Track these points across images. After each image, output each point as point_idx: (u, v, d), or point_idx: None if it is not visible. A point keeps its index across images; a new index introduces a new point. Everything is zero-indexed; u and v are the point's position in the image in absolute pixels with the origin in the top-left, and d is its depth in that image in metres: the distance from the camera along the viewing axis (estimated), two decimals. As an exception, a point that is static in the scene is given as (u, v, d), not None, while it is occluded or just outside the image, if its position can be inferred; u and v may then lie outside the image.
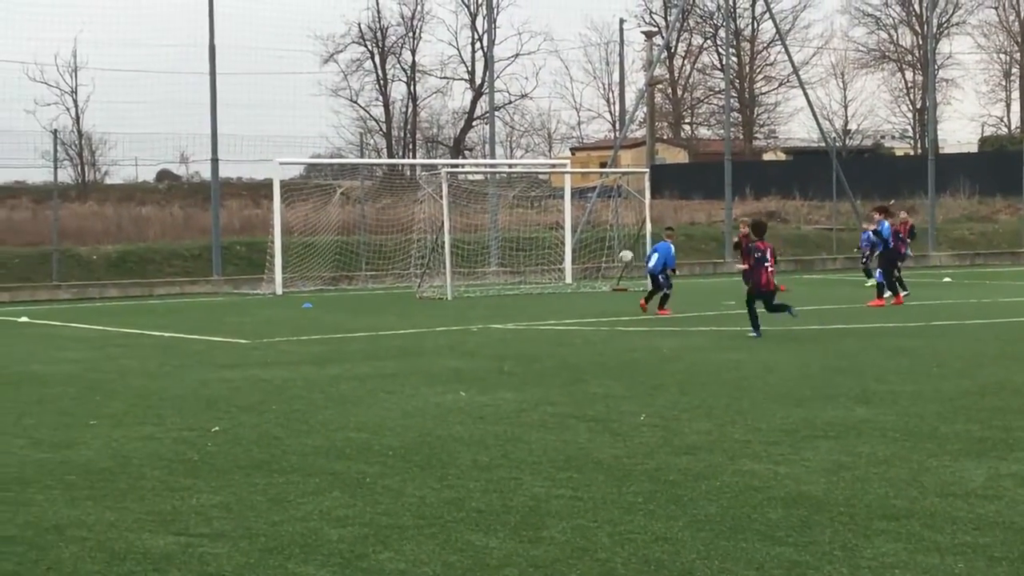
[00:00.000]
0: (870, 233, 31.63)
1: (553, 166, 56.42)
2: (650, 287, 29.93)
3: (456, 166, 52.61)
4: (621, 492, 10.39)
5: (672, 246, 30.00)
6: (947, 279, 40.40)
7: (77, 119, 75.61)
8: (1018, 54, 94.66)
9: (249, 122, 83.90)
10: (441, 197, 37.01)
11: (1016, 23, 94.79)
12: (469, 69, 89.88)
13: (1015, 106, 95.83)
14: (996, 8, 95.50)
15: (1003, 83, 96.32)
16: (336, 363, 19.85)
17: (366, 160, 67.15)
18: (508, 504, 10.05)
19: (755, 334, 23.11)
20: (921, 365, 18.36)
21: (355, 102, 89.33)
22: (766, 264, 23.45)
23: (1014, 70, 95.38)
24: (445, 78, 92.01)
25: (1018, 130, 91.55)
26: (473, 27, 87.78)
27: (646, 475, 11.03)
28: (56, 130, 44.69)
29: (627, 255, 36.58)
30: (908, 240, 35.48)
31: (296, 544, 8.99)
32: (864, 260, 37.23)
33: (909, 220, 36.56)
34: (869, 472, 10.98)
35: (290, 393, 16.55)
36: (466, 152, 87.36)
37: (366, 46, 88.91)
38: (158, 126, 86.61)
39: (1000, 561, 8.27)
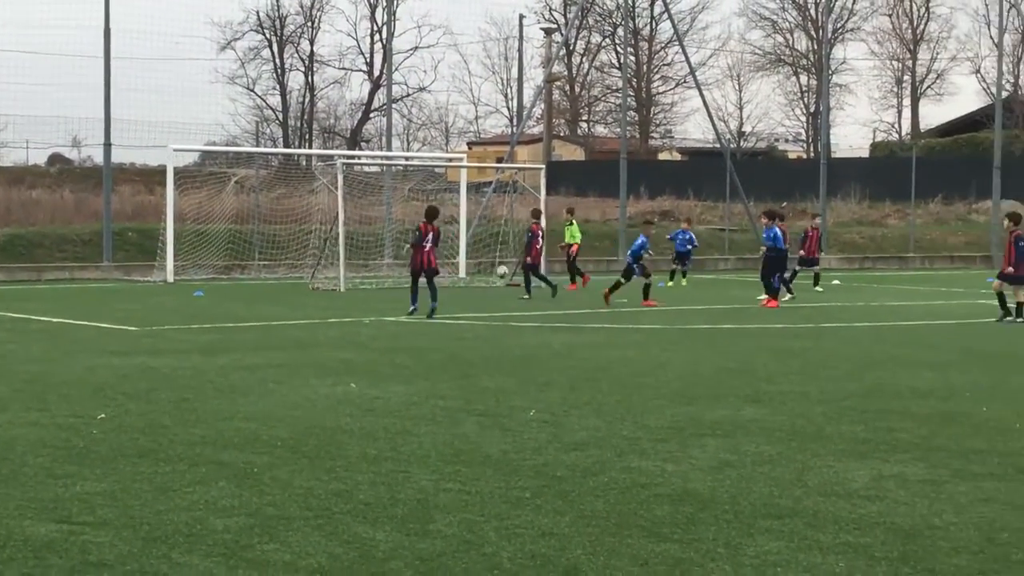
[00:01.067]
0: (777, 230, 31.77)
1: (450, 160, 56.46)
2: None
3: (352, 157, 52.33)
4: (509, 487, 10.41)
5: (645, 239, 30.56)
6: (836, 282, 40.89)
7: (-33, 99, 74.50)
8: (910, 61, 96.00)
9: (144, 107, 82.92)
10: (336, 188, 36.88)
11: (909, 31, 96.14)
12: (368, 61, 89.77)
13: (906, 112, 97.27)
14: (890, 15, 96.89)
15: (895, 90, 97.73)
16: (226, 353, 19.71)
17: (262, 149, 66.76)
18: (396, 497, 10.03)
19: (413, 307, 26.53)
20: (810, 366, 18.57)
21: (252, 91, 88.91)
22: (423, 245, 26.65)
23: (906, 77, 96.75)
24: (343, 69, 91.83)
25: (908, 136, 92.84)
26: (372, 18, 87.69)
27: (534, 470, 11.06)
28: (-55, 110, 43.96)
29: (503, 270, 36.64)
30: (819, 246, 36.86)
31: (180, 533, 8.91)
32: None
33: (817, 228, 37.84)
34: (755, 471, 11.09)
35: (179, 382, 16.41)
36: (363, 144, 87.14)
37: (264, 34, 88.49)
38: (51, 109, 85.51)
39: (880, 561, 8.38)
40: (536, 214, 34.98)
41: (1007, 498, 10.10)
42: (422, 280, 26.68)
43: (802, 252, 36.83)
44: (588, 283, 35.67)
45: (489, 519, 9.37)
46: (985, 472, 11.10)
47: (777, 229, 31.46)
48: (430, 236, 26.84)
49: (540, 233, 33.46)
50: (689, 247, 38.49)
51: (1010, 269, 26.17)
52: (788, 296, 31.92)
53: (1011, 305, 26.06)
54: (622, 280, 30.25)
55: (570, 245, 37.24)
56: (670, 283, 35.94)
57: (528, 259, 33.23)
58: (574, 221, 38.49)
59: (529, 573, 8.10)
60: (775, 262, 30.73)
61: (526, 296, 32.10)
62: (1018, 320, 26.04)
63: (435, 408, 14.38)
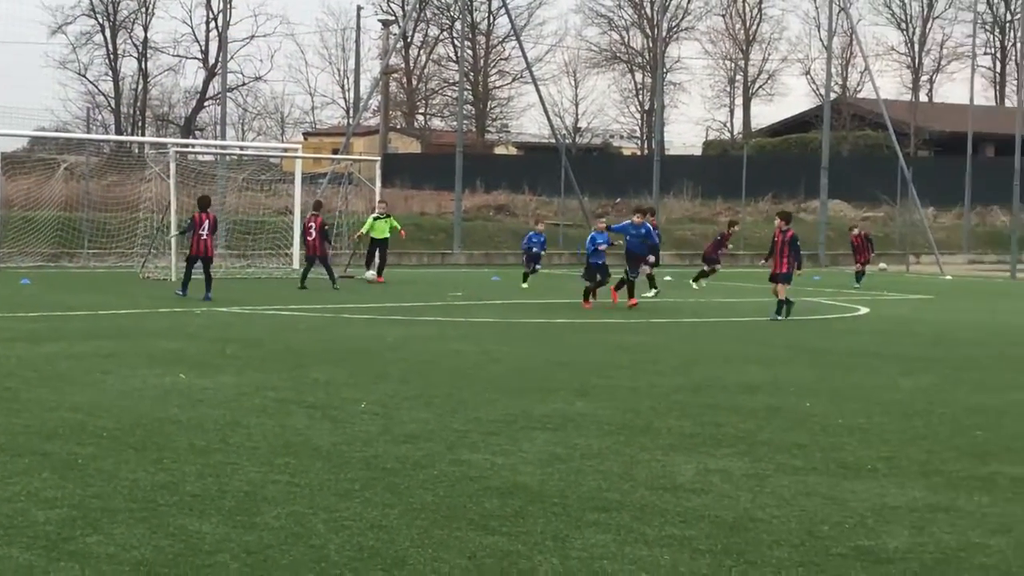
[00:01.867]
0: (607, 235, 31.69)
1: (285, 150, 56.01)
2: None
3: (186, 146, 51.72)
4: (338, 479, 10.37)
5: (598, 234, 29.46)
6: (668, 278, 41.35)
7: None
8: (742, 61, 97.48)
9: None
10: (169, 177, 36.40)
11: (742, 31, 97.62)
12: (203, 48, 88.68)
13: (738, 112, 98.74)
14: (723, 16, 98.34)
15: (727, 89, 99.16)
16: (53, 341, 19.36)
17: (93, 136, 65.61)
18: (224, 489, 9.94)
19: (182, 293, 28.01)
20: (640, 361, 18.77)
21: (84, 76, 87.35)
22: (200, 233, 28.33)
23: (738, 77, 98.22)
24: (178, 56, 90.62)
25: (740, 135, 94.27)
26: (208, 6, 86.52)
27: (364, 463, 11.03)
28: None
29: (370, 275, 36.25)
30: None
31: (0, 526, 8.74)
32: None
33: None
34: (583, 464, 11.18)
35: (2, 370, 16.08)
36: (197, 132, 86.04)
37: (97, 19, 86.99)
38: None
39: (704, 554, 8.50)
40: (317, 206, 34.76)
41: (828, 492, 10.31)
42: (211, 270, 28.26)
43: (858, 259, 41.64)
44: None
45: (317, 511, 9.32)
46: (807, 466, 11.31)
47: (649, 224, 31.25)
48: (206, 224, 28.45)
49: (315, 225, 33.76)
50: (537, 250, 37.58)
51: (792, 270, 26.09)
52: (653, 292, 31.98)
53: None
54: (591, 281, 28.89)
55: (377, 238, 36.74)
56: (523, 285, 35.25)
57: (309, 251, 33.72)
58: (390, 214, 38.00)
59: (356, 565, 8.08)
60: (636, 259, 30.02)
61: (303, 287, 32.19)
62: (779, 317, 25.92)
63: (265, 399, 14.27)
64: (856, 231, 42.96)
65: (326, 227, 33.85)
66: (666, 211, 58.64)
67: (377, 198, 40.20)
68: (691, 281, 36.93)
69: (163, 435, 12.04)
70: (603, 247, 28.69)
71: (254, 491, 9.90)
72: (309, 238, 33.71)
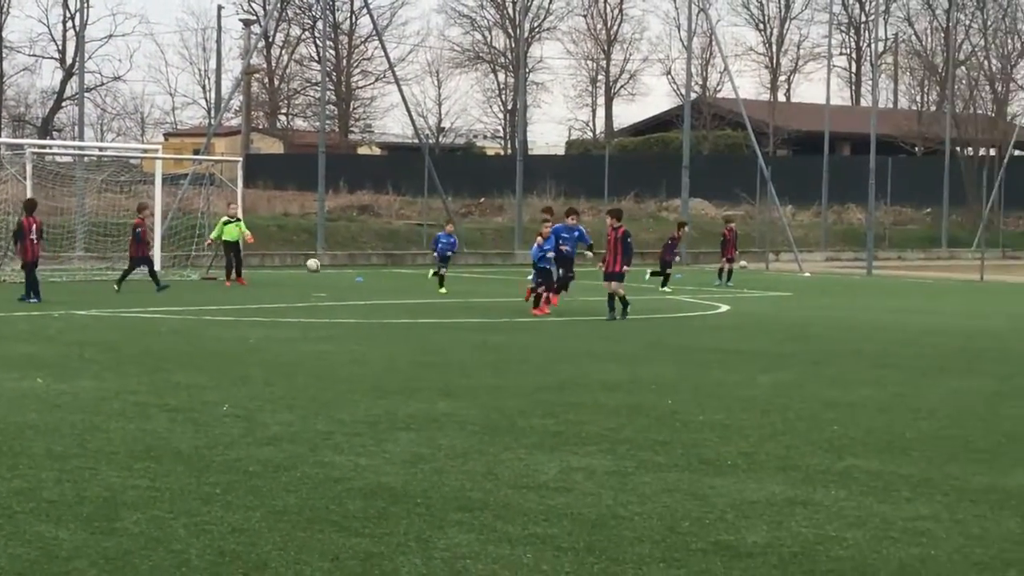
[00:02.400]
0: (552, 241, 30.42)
1: (145, 151, 55.33)
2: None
3: (43, 147, 50.87)
4: (200, 483, 10.28)
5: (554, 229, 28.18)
6: (529, 277, 41.45)
7: None
8: (604, 61, 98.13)
9: None
10: (26, 178, 35.80)
11: (603, 31, 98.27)
12: (60, 48, 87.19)
13: (601, 112, 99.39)
14: (585, 16, 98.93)
15: (590, 89, 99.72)
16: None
17: (-54, 136, 64.29)
18: (82, 495, 9.80)
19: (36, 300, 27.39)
20: (504, 361, 18.82)
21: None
22: (31, 238, 28.05)
23: (600, 77, 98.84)
24: (34, 56, 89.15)
25: (603, 135, 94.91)
26: (65, 5, 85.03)
27: (226, 466, 10.94)
28: None
29: (313, 263, 35.52)
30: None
31: None
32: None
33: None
34: (447, 464, 11.18)
35: None
36: (55, 133, 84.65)
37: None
38: None
39: (567, 551, 8.55)
40: (141, 208, 34.14)
41: (689, 488, 10.42)
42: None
43: (724, 256, 41.30)
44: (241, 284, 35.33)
45: (178, 516, 9.23)
46: (669, 463, 11.42)
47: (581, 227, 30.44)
48: (34, 229, 28.32)
49: (143, 227, 33.15)
50: (449, 252, 35.94)
51: (619, 268, 25.61)
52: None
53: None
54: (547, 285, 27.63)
55: (229, 241, 36.24)
56: (442, 291, 34.06)
57: (134, 253, 32.84)
58: (241, 218, 37.49)
59: (218, 570, 8.01)
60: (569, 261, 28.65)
61: (116, 288, 31.56)
62: (615, 317, 25.53)
63: (125, 404, 14.10)
64: (732, 225, 43.11)
65: (137, 230, 32.80)
66: (530, 211, 58.82)
67: (239, 199, 39.86)
68: (661, 288, 36.87)
69: (19, 440, 11.85)
70: (551, 254, 27.45)
71: (113, 496, 9.78)
72: (132, 240, 32.90)
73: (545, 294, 27.02)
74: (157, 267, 39.59)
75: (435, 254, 34.42)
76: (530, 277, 28.89)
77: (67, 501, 9.60)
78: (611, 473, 10.96)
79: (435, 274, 34.39)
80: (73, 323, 23.44)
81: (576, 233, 28.20)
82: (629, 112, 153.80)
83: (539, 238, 27.49)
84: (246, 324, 23.85)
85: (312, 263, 34.40)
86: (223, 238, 36.57)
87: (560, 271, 27.40)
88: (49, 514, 9.21)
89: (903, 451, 12.22)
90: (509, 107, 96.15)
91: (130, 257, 33.06)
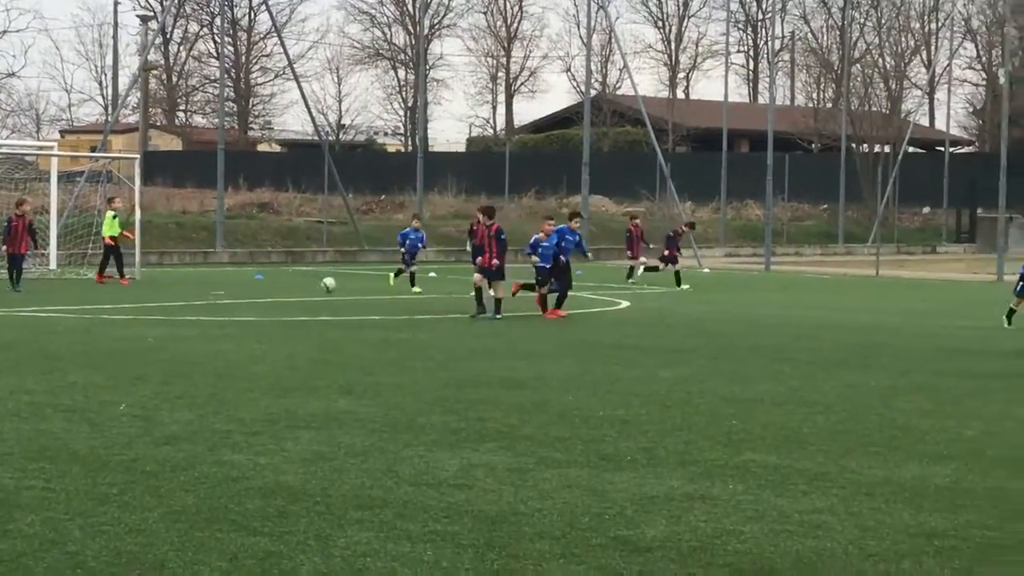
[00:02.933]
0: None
1: (40, 148, 54.68)
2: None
3: (-65, 144, 50.09)
4: (96, 483, 10.17)
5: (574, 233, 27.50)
6: (432, 274, 41.48)
7: None
8: (504, 59, 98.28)
9: None
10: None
11: (503, 28, 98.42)
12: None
13: (501, 108, 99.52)
14: (485, 13, 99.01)
15: (490, 86, 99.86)
16: None
17: None
18: (-25, 497, 9.67)
19: None
20: (405, 357, 18.78)
21: None
22: None
23: (500, 74, 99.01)
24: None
25: (503, 132, 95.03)
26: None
27: (123, 466, 10.83)
28: None
29: (330, 281, 32.43)
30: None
31: None
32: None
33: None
34: (347, 462, 11.15)
35: None
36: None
37: None
38: None
39: (467, 548, 8.55)
40: (19, 203, 33.14)
41: (588, 484, 10.46)
42: None
43: (629, 253, 40.81)
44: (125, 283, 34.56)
45: (74, 516, 9.13)
46: (569, 459, 11.46)
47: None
48: None
49: (18, 222, 31.53)
50: (419, 246, 34.94)
51: (496, 262, 25.22)
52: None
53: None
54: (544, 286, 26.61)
55: (113, 237, 35.20)
56: (415, 289, 32.95)
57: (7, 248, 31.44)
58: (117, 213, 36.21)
59: (114, 571, 7.93)
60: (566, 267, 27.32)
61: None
62: (497, 317, 25.19)
63: (20, 403, 13.92)
64: (637, 220, 42.95)
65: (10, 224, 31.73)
66: (430, 207, 58.83)
67: (136, 197, 39.40)
68: (677, 286, 36.98)
69: (-89, 443, 11.66)
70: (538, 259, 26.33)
71: (7, 498, 9.65)
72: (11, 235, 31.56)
73: (541, 293, 26.48)
74: (52, 265, 39.18)
75: (403, 251, 33.36)
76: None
77: (-40, 503, 9.47)
78: (511, 470, 10.98)
79: (400, 272, 33.53)
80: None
81: (576, 237, 27.61)
82: (530, 109, 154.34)
83: (541, 234, 26.75)
84: (144, 323, 23.64)
85: (329, 281, 31.94)
86: (106, 234, 35.32)
87: (555, 282, 26.41)
88: (-59, 517, 9.08)
89: (800, 445, 12.35)
90: (409, 104, 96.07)
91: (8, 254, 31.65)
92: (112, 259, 35.42)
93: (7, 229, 31.56)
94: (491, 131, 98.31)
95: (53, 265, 39.59)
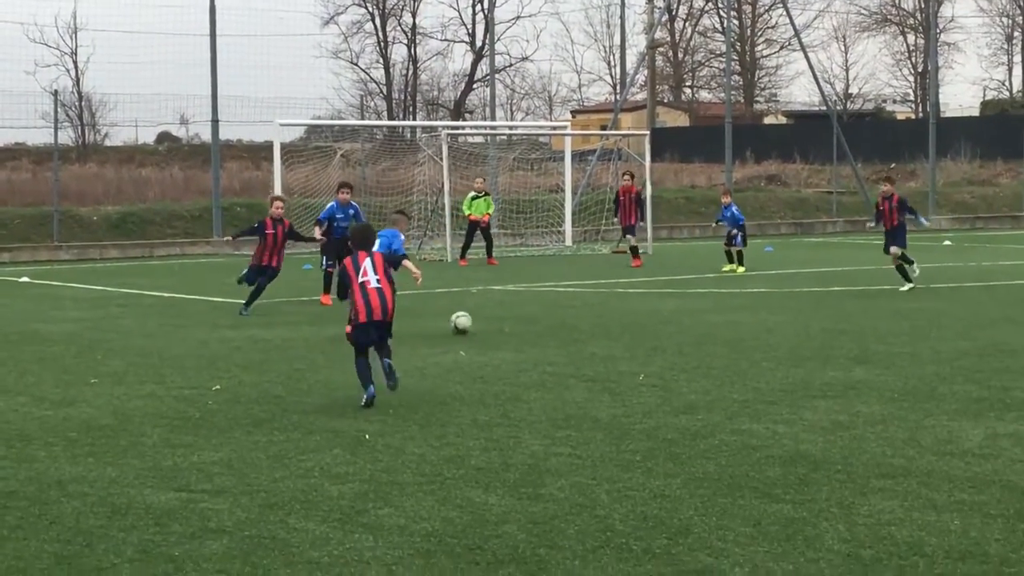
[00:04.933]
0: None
1: (554, 129, 56.38)
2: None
3: (456, 128, 52.45)
4: (619, 450, 10.45)
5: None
6: (947, 242, 40.43)
7: (77, 80, 75.39)
8: (1020, 18, 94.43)
9: (249, 84, 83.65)
10: (441, 159, 37.00)
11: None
12: (469, 31, 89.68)
13: (1017, 70, 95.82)
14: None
15: (1005, 47, 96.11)
16: (336, 324, 19.83)
17: (366, 122, 67.10)
18: (507, 462, 10.11)
19: None
20: (920, 327, 18.39)
21: (355, 64, 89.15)
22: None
23: (1016, 34, 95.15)
24: (446, 40, 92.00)
25: (1020, 94, 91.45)
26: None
27: (644, 434, 11.08)
28: (56, 91, 44.62)
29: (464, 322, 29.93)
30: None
31: (297, 500, 9.05)
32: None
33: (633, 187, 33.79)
34: (866, 431, 11.04)
35: (291, 353, 16.60)
36: (466, 115, 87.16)
37: (367, 8, 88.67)
38: (158, 87, 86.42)
39: (996, 518, 8.32)
40: (275, 200, 31.34)
41: (1125, 455, 9.98)
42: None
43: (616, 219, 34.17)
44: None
45: (600, 482, 9.42)
46: (1102, 429, 10.97)
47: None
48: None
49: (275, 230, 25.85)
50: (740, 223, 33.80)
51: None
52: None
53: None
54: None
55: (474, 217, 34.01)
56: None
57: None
58: (487, 192, 35.17)
59: (641, 534, 8.13)
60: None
61: None
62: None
63: (544, 374, 14.44)
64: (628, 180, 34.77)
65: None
66: (943, 174, 57.30)
67: (647, 173, 40.00)
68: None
69: (446, 411, 12.29)
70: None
71: (537, 463, 10.04)
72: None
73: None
74: (568, 242, 40.30)
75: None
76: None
77: (493, 468, 9.92)
78: (1040, 440, 10.61)
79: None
80: (490, 298, 24.08)
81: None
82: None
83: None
84: (657, 296, 24.03)
85: (462, 322, 27.03)
86: (470, 214, 34.33)
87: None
88: (478, 480, 9.54)
89: None
90: (919, 69, 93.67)
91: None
92: (471, 238, 34.36)
93: (260, 235, 22.65)
94: (1007, 94, 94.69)
95: (568, 242, 40.78)
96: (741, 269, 29.59)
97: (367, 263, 13.31)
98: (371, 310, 13.02)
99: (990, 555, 7.63)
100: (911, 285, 23.77)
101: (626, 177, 34.20)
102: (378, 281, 13.20)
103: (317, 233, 24.21)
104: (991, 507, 8.58)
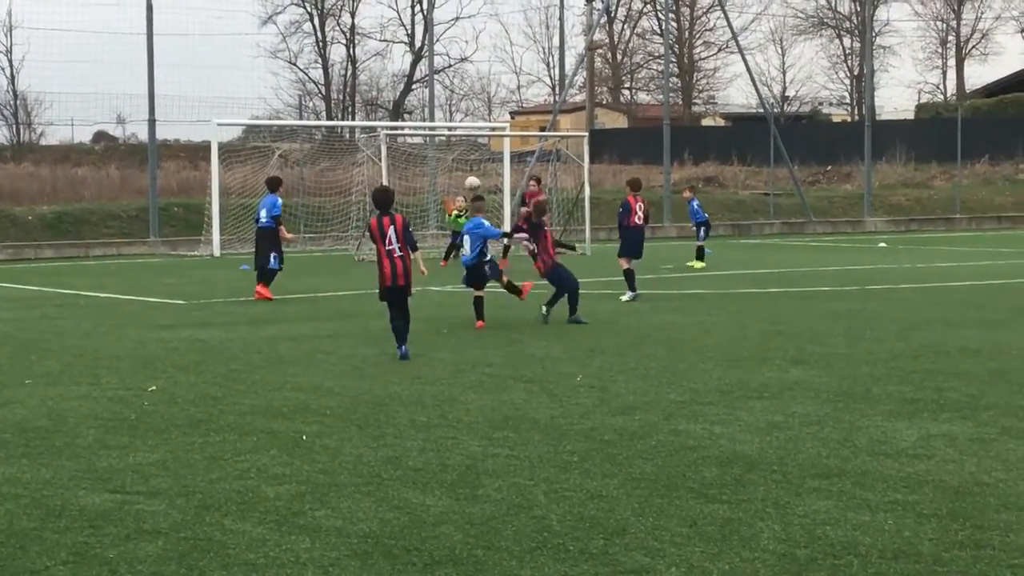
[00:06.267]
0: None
1: (493, 130, 56.40)
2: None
3: (395, 129, 52.38)
4: (557, 451, 10.47)
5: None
6: (882, 244, 40.74)
7: (12, 79, 74.91)
8: (954, 21, 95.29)
9: (187, 84, 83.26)
10: (380, 160, 36.94)
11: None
12: (409, 32, 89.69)
13: (951, 73, 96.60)
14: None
15: (939, 50, 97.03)
16: (273, 324, 19.82)
17: (305, 122, 66.93)
18: (445, 463, 10.10)
19: None
20: (856, 328, 18.52)
21: (294, 64, 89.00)
22: None
23: (950, 38, 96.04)
24: (384, 41, 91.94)
25: (954, 97, 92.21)
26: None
27: (582, 435, 11.11)
28: (-10, 90, 44.22)
29: (472, 180, 29.83)
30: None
31: (233, 501, 9.01)
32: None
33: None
34: (802, 432, 11.11)
35: (227, 353, 16.53)
36: (405, 115, 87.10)
37: (305, 8, 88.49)
38: (95, 86, 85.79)
39: (929, 518, 8.40)
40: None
41: (1056, 455, 10.09)
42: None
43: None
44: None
45: (538, 483, 9.43)
46: (1034, 429, 11.09)
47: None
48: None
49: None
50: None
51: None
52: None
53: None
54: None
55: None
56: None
57: None
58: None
59: (578, 534, 8.16)
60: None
61: None
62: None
63: (482, 375, 14.45)
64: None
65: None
66: (879, 176, 57.75)
67: (585, 175, 40.11)
68: None
69: (384, 412, 12.28)
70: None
71: (475, 464, 10.05)
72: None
73: None
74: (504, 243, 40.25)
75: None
76: None
77: (431, 469, 9.92)
78: (973, 440, 10.72)
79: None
80: (428, 299, 24.01)
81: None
82: (981, 73, 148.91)
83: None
84: (595, 297, 24.06)
85: (471, 180, 29.59)
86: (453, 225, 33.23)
87: None
88: (415, 481, 9.53)
89: None
90: (855, 72, 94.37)
91: None
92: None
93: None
94: (941, 97, 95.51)
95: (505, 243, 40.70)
96: (700, 265, 30.15)
97: (392, 232, 15.98)
98: (396, 276, 15.97)
99: (923, 554, 7.70)
100: (633, 295, 23.37)
101: (532, 183, 33.52)
102: (400, 249, 15.97)
103: (286, 234, 24.91)
104: (924, 507, 8.66)
